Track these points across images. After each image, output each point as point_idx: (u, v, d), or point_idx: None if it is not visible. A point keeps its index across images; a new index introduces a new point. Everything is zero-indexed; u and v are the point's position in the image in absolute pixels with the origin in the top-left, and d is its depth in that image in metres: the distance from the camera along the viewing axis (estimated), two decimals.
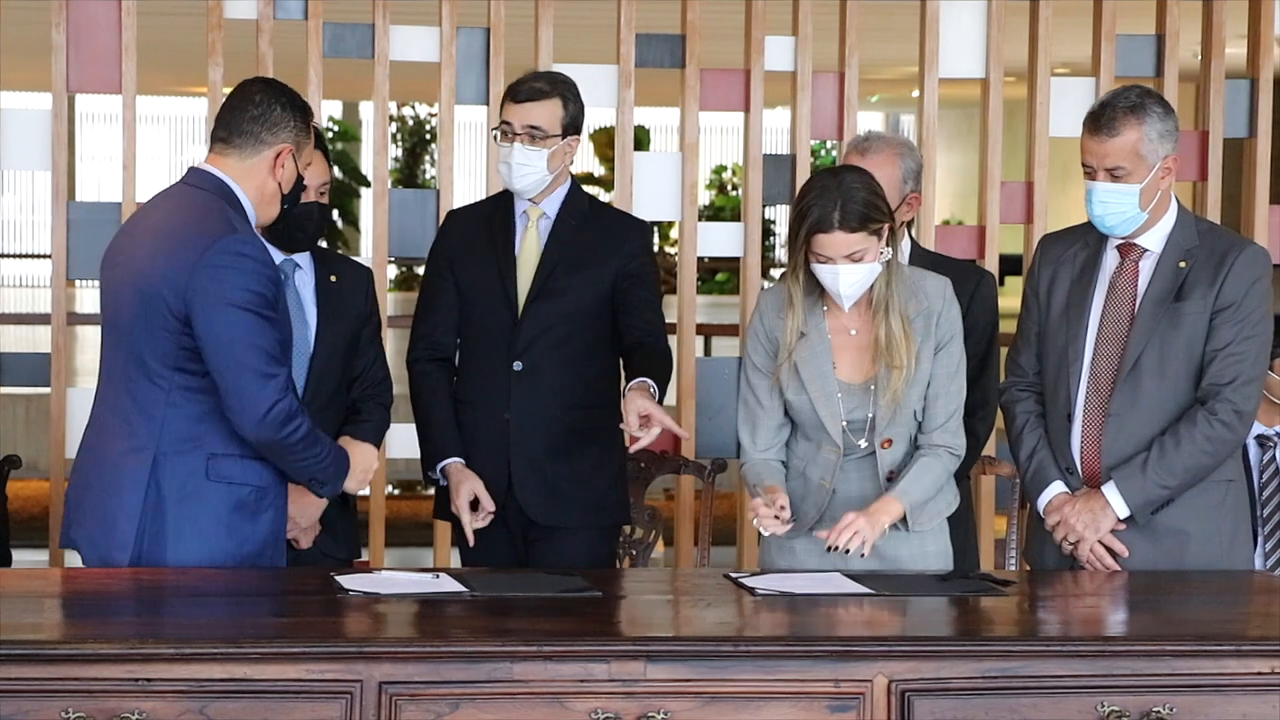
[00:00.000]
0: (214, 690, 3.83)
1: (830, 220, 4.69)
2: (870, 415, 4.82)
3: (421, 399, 5.45)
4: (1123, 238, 4.98)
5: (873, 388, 4.81)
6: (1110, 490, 4.91)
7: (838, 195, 4.70)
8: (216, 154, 4.70)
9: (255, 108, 4.70)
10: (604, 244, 5.38)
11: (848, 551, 4.69)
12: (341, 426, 5.25)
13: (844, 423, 4.83)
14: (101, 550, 4.65)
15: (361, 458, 4.83)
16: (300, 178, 4.78)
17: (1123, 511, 4.91)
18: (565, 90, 5.35)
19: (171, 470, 4.60)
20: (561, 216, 5.39)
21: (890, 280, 4.80)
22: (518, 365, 5.33)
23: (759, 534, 4.89)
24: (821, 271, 4.75)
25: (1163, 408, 4.92)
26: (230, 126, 4.70)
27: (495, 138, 5.35)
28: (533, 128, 5.29)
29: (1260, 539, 6.02)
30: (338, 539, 5.36)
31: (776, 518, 4.73)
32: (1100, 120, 4.89)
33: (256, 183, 4.69)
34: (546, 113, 5.30)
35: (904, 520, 4.80)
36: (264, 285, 4.56)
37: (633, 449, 5.10)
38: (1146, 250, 4.98)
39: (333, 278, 5.37)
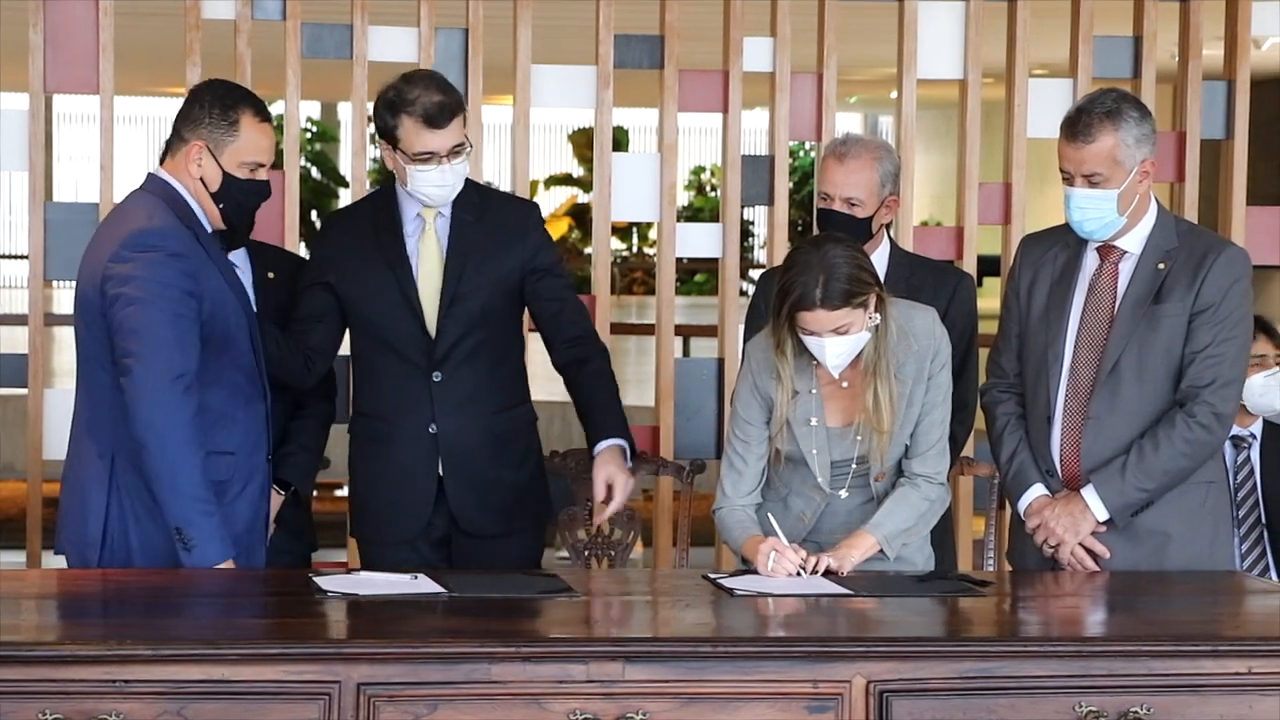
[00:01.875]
0: (192, 692, 3.83)
1: (813, 298, 4.63)
2: (856, 455, 4.83)
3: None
4: (1102, 241, 4.98)
5: (859, 438, 4.82)
6: (1089, 493, 4.91)
7: (820, 271, 4.63)
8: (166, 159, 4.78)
9: (182, 108, 4.76)
10: (504, 235, 5.22)
11: (815, 571, 4.69)
12: (289, 421, 5.26)
13: (828, 472, 4.84)
14: (78, 549, 4.70)
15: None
16: (233, 178, 4.73)
17: (1102, 515, 4.91)
18: (458, 94, 5.16)
19: (127, 467, 4.64)
20: (456, 213, 5.22)
21: (880, 345, 4.75)
22: (437, 376, 5.19)
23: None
24: (809, 342, 4.72)
25: (1142, 410, 4.91)
26: (171, 130, 4.78)
27: (396, 161, 5.12)
28: (457, 148, 5.12)
29: (1236, 539, 6.04)
30: (293, 535, 5.35)
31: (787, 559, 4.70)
32: (1076, 127, 4.88)
33: (186, 181, 4.73)
34: (459, 127, 5.12)
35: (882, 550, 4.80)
36: (173, 277, 4.57)
37: (596, 520, 5.12)
38: (1126, 252, 4.96)
39: (270, 274, 5.36)
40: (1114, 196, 4.87)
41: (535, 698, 3.92)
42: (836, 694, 3.98)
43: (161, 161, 4.80)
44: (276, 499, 5.19)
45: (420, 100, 5.06)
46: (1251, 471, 6.11)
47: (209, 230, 4.77)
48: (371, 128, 5.31)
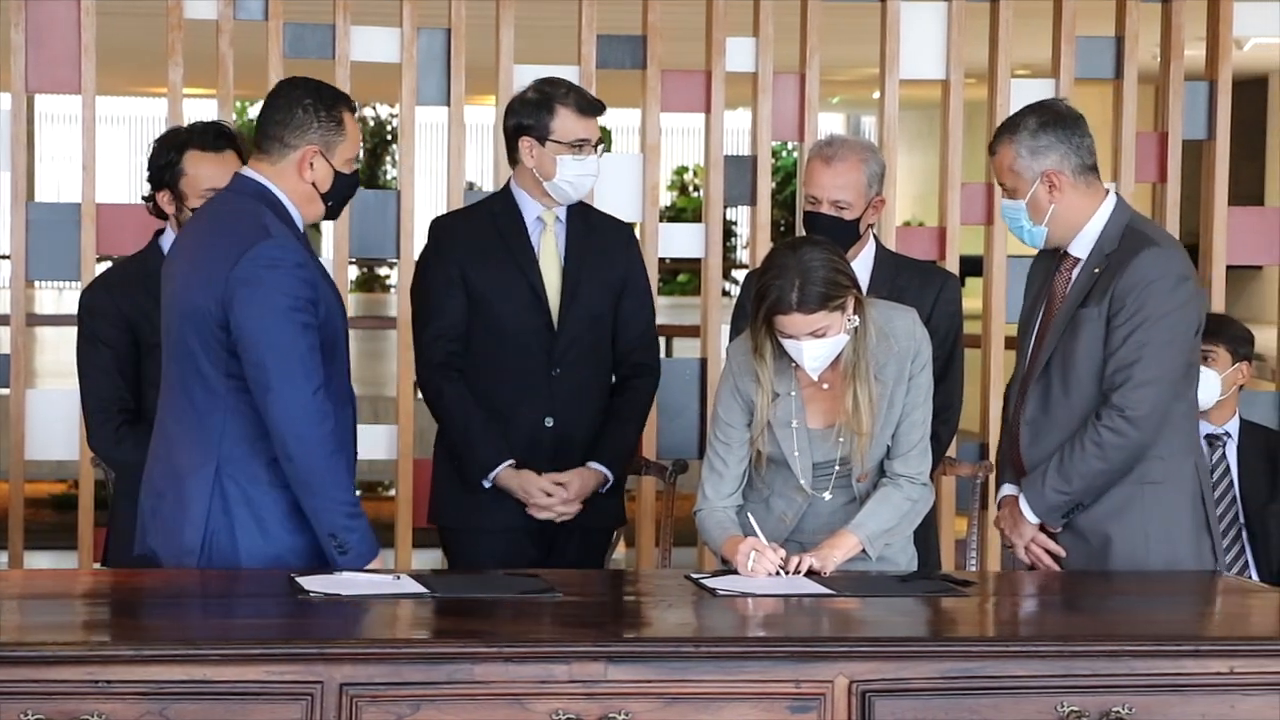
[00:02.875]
0: (174, 692, 3.82)
1: (789, 302, 4.63)
2: (838, 456, 4.82)
3: (455, 407, 5.43)
4: (1051, 246, 5.03)
5: (840, 439, 4.81)
6: (1021, 498, 4.97)
7: (796, 275, 4.62)
8: (254, 159, 4.78)
9: (278, 112, 4.75)
10: (609, 246, 5.52)
11: (798, 571, 4.69)
12: None
13: (810, 473, 4.83)
14: (175, 558, 4.70)
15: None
16: (341, 175, 4.78)
17: (1031, 518, 4.97)
18: None
19: (233, 476, 4.66)
20: (570, 219, 5.48)
21: (859, 346, 4.75)
22: (556, 371, 5.41)
23: None
24: (787, 345, 4.72)
25: (1071, 415, 4.94)
26: (261, 131, 4.77)
27: (543, 155, 5.36)
28: (599, 140, 5.42)
29: (1213, 539, 6.04)
30: None
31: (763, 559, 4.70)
32: (991, 140, 5.03)
33: (289, 185, 4.74)
34: (598, 122, 5.46)
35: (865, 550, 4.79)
36: (299, 288, 4.62)
37: (539, 514, 5.37)
38: (1078, 259, 5.01)
39: None
40: (1021, 207, 4.95)
41: (518, 698, 3.92)
42: (819, 694, 3.98)
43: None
44: None
45: (572, 93, 5.42)
46: (1228, 470, 6.11)
47: (302, 231, 4.82)
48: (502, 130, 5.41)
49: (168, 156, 5.31)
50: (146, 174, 5.36)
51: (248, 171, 4.76)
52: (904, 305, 4.93)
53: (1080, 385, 4.93)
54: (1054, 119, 4.95)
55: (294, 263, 4.63)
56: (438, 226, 5.58)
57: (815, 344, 4.69)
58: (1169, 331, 4.89)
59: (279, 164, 4.73)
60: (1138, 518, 4.95)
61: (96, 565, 5.24)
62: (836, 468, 4.84)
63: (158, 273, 5.13)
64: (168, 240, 5.33)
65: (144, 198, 5.41)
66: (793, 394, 4.82)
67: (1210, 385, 6.00)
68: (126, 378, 5.26)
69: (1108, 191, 5.03)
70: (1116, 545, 4.94)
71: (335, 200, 4.81)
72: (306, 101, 4.73)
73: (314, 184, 4.74)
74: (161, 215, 5.37)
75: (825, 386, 4.81)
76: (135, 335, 5.25)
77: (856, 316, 4.72)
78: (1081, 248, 4.99)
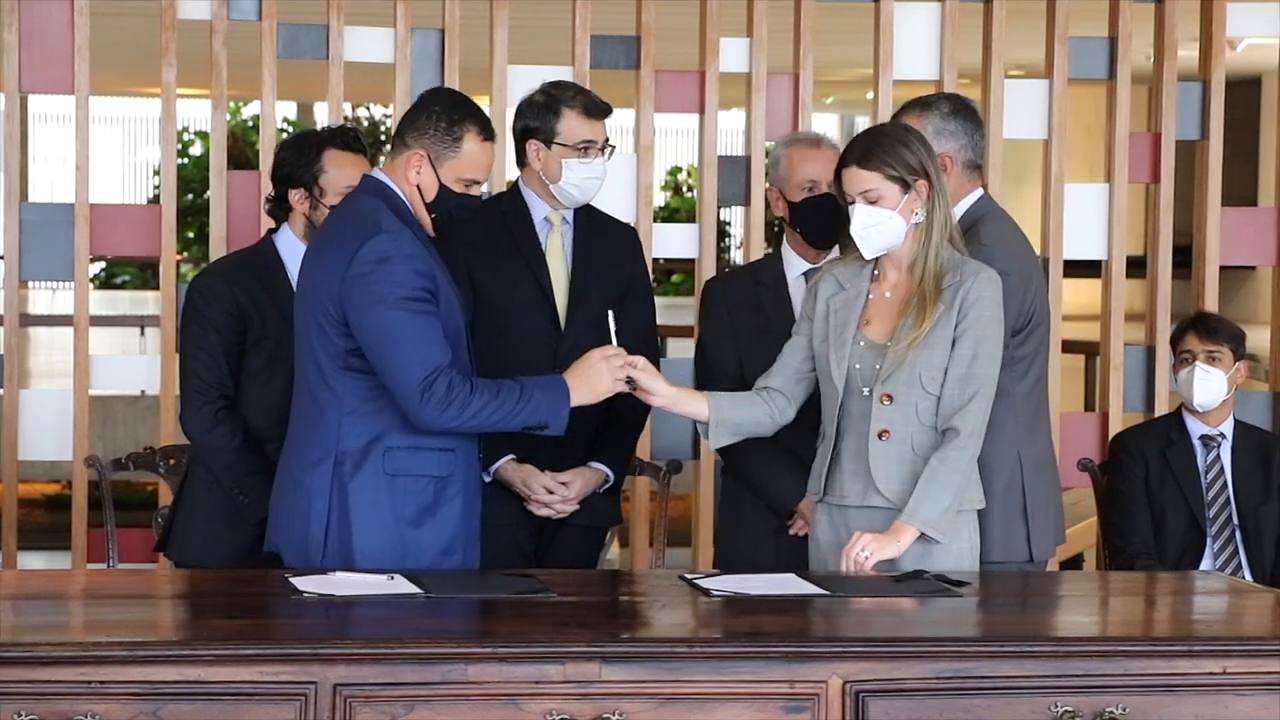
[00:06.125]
0: (167, 693, 3.82)
1: (851, 154, 4.75)
2: (877, 368, 4.80)
3: None
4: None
5: (888, 343, 4.80)
6: None
7: (869, 135, 4.78)
8: (385, 157, 4.91)
9: (409, 112, 4.86)
10: (616, 248, 5.54)
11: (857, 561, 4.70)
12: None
13: (856, 366, 4.81)
14: (300, 554, 4.77)
15: (583, 373, 4.85)
16: (447, 190, 4.80)
17: None
18: None
19: (351, 470, 4.73)
20: (576, 221, 5.50)
21: (925, 243, 4.74)
22: (560, 370, 5.39)
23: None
24: (850, 213, 4.78)
25: None
26: (395, 130, 4.89)
27: (550, 158, 5.38)
28: (606, 143, 5.43)
29: (1209, 539, 6.06)
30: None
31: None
32: (898, 111, 5.33)
33: (401, 184, 4.82)
34: (606, 125, 5.47)
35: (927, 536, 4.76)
36: (410, 279, 4.67)
37: (538, 509, 5.36)
38: None
39: None
40: None
41: (512, 698, 3.92)
42: (813, 694, 3.99)
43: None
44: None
45: (579, 96, 5.44)
46: (1222, 470, 6.12)
47: (429, 233, 4.85)
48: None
49: (309, 155, 5.36)
50: (277, 172, 5.41)
51: (373, 171, 4.89)
52: (994, 270, 4.85)
53: None
54: (965, 110, 5.24)
55: (405, 254, 4.67)
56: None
57: (866, 211, 4.73)
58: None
59: (394, 161, 4.83)
60: None
61: (149, 565, 5.23)
62: (873, 383, 4.80)
63: (271, 266, 5.31)
64: (282, 237, 5.41)
65: (268, 198, 5.48)
66: (866, 296, 4.83)
67: (1217, 386, 6.05)
68: (231, 365, 5.29)
69: (982, 189, 5.23)
70: None
71: (440, 214, 4.83)
72: (434, 109, 4.81)
73: (419, 189, 4.79)
74: (278, 216, 5.44)
75: (888, 294, 4.82)
76: (245, 325, 5.29)
77: (922, 212, 4.73)
78: None
